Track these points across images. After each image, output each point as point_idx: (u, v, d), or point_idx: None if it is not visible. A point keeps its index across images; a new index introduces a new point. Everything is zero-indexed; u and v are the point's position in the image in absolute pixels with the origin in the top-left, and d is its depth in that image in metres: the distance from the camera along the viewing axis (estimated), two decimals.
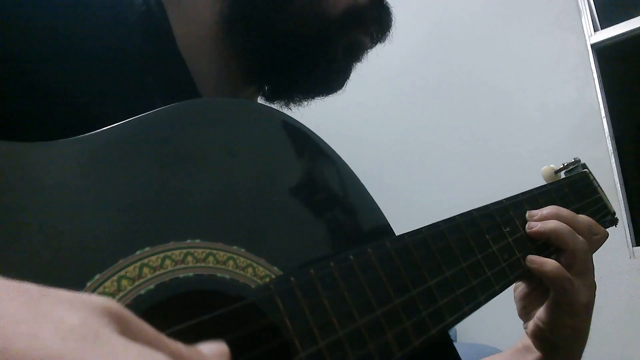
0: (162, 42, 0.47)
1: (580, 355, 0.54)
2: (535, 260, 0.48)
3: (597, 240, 0.55)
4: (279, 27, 0.48)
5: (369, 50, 0.54)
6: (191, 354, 0.18)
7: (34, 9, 0.39)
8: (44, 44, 0.38)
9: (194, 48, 0.49)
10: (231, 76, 0.52)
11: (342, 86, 0.54)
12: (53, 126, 0.35)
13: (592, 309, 0.51)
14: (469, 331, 2.13)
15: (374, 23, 0.52)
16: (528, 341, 0.56)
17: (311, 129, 0.42)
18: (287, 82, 0.52)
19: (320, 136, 0.42)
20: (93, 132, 0.30)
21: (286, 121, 0.41)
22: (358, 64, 0.54)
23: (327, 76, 0.51)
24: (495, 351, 2.02)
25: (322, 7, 0.48)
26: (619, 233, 1.92)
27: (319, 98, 0.55)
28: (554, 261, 0.48)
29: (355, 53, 0.52)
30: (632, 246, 1.99)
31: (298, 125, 0.41)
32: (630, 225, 2.00)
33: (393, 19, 0.54)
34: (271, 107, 0.41)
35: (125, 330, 0.16)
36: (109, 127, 0.31)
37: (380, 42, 0.55)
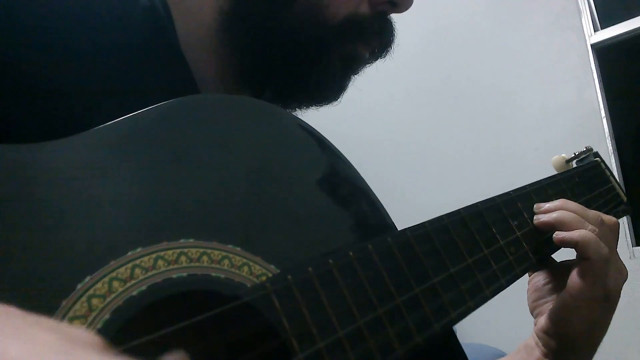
0: (165, 39, 0.46)
1: (590, 358, 0.52)
2: (560, 232, 0.48)
3: (611, 228, 0.54)
4: (276, 29, 0.47)
5: (367, 64, 0.54)
6: None
7: (35, 4, 0.38)
8: (45, 40, 0.37)
9: (194, 47, 0.48)
10: (230, 77, 0.51)
11: (338, 97, 0.54)
12: (51, 124, 0.35)
13: (614, 300, 0.50)
14: (469, 331, 2.12)
15: (375, 37, 0.51)
16: (532, 342, 0.54)
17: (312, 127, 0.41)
18: (281, 86, 0.51)
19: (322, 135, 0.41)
20: (84, 132, 0.29)
21: (286, 117, 0.40)
22: (355, 76, 0.54)
23: (321, 85, 0.50)
24: (495, 351, 2.02)
25: (322, 14, 0.47)
26: (619, 233, 1.91)
27: (313, 107, 0.54)
28: (581, 229, 0.48)
29: (352, 65, 0.52)
30: (632, 246, 1.98)
31: (299, 121, 0.40)
32: (630, 225, 2.00)
33: (395, 34, 0.53)
34: (270, 104, 0.40)
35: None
36: (101, 126, 0.30)
37: (380, 58, 0.54)
